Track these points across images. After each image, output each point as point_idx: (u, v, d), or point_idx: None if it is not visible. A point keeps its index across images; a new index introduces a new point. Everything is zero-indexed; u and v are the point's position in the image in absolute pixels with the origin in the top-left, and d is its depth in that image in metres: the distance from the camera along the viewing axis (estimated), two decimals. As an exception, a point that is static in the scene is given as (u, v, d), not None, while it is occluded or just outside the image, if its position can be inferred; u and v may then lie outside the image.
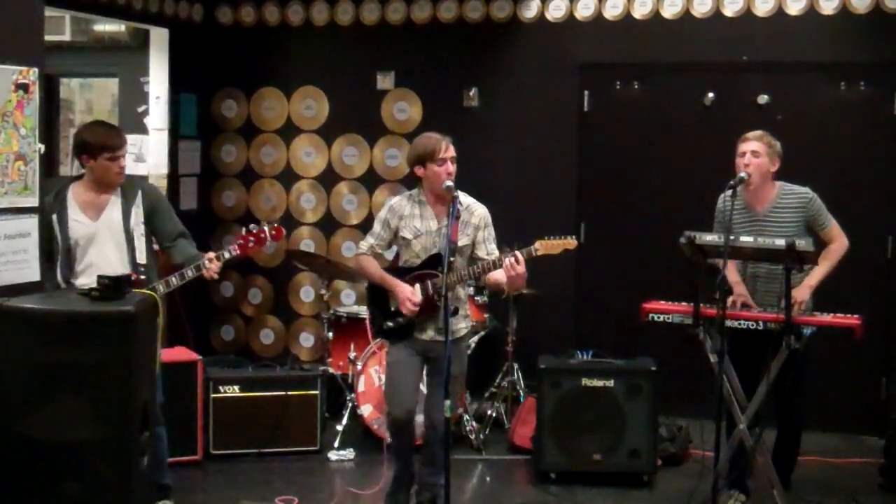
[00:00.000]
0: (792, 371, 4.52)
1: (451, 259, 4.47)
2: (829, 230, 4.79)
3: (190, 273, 4.51)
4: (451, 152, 4.53)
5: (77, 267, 4.51)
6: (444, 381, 4.09)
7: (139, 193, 4.60)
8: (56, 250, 4.51)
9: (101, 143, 4.47)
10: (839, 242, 4.80)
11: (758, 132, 4.81)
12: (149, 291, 4.42)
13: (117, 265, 4.47)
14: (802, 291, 4.65)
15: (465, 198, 4.61)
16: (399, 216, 4.63)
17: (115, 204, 4.56)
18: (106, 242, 4.52)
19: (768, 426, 4.69)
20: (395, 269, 4.72)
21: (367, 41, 7.02)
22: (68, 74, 8.21)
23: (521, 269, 4.36)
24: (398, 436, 4.71)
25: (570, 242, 4.47)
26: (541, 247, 4.45)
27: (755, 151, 4.72)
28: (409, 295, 4.53)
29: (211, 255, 4.54)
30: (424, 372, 4.72)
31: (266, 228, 4.63)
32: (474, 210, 4.64)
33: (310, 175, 7.25)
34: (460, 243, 4.55)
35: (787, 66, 6.29)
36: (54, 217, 4.50)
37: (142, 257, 4.55)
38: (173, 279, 4.53)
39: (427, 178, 4.56)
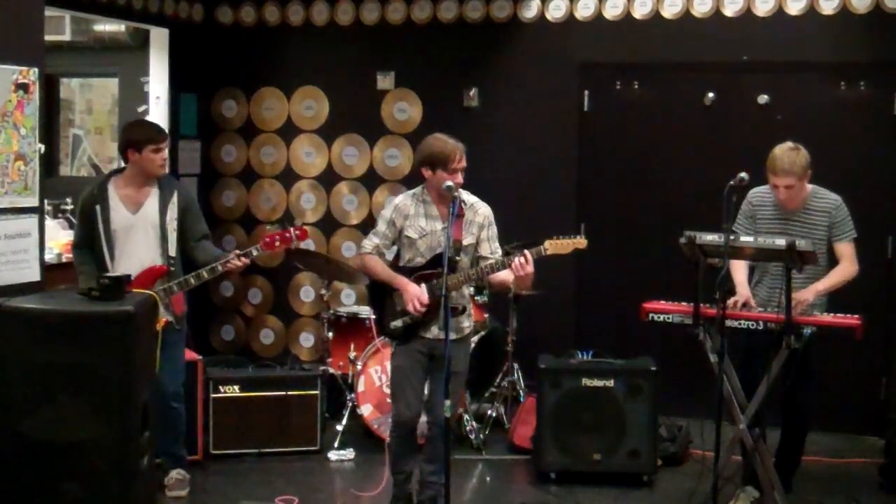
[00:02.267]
0: (793, 371, 4.52)
1: (457, 259, 4.45)
2: (843, 244, 4.74)
3: (219, 268, 4.80)
4: (464, 163, 4.50)
5: (115, 254, 4.81)
6: (444, 381, 4.08)
7: (175, 193, 4.95)
8: (97, 238, 4.83)
9: (146, 137, 4.83)
10: (848, 265, 4.73)
11: (786, 161, 4.62)
12: (150, 292, 4.46)
13: (151, 256, 4.84)
14: (806, 294, 4.63)
15: (468, 196, 4.60)
16: (404, 216, 4.60)
17: (153, 199, 4.89)
18: (142, 234, 4.85)
19: (770, 426, 4.69)
20: (397, 268, 4.69)
21: (367, 41, 7.02)
22: (68, 74, 8.23)
23: (530, 268, 4.34)
24: (400, 438, 4.69)
25: (581, 241, 4.44)
26: (550, 246, 4.42)
27: (789, 186, 4.66)
28: (418, 294, 4.51)
29: (238, 251, 4.86)
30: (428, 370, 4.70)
31: (291, 229, 4.92)
32: (478, 209, 4.62)
33: (310, 175, 7.25)
34: (465, 242, 4.53)
35: (787, 66, 6.28)
36: (97, 207, 4.83)
37: (173, 250, 4.89)
38: (204, 273, 4.80)
39: (432, 181, 4.52)
